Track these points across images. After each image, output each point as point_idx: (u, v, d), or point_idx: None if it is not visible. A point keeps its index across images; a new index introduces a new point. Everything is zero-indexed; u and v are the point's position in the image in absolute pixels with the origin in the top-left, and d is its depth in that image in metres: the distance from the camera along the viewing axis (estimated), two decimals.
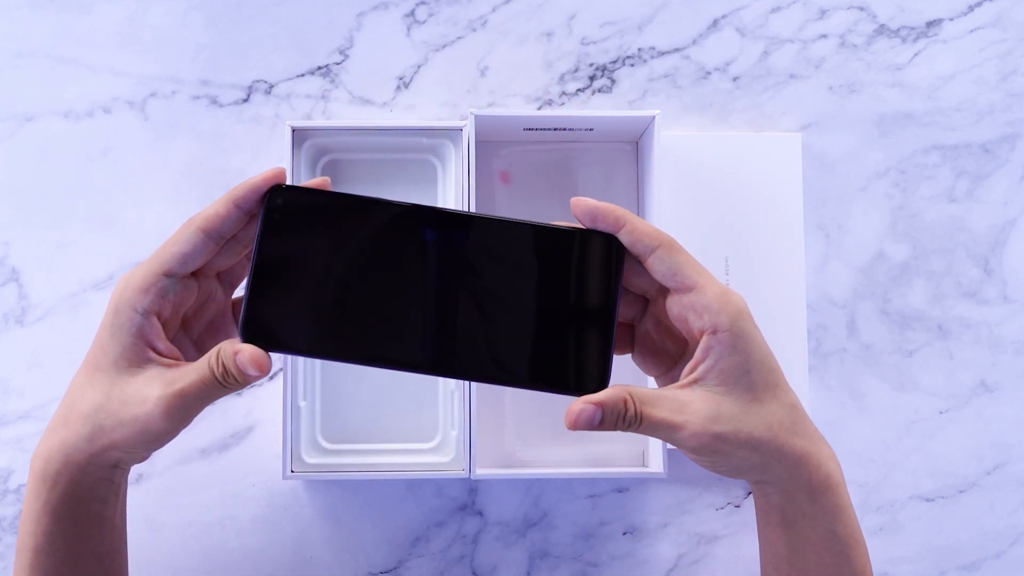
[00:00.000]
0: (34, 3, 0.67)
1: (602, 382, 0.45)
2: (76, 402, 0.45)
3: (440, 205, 0.45)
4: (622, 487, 0.66)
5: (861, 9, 0.68)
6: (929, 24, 0.69)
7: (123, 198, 0.66)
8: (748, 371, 0.44)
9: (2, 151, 0.66)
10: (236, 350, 0.43)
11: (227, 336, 0.50)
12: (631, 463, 0.65)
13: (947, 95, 0.68)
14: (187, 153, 0.67)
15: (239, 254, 0.48)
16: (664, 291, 0.46)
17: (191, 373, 0.44)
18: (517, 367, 0.44)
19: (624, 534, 0.66)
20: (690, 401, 0.44)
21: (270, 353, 0.44)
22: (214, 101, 0.67)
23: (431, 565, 0.65)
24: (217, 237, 0.45)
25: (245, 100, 0.67)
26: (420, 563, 0.66)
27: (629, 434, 0.65)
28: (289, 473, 0.60)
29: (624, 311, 0.48)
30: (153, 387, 0.44)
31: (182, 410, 0.44)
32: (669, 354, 0.48)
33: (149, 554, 0.64)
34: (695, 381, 0.44)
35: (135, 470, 0.65)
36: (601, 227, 0.45)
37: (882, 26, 0.68)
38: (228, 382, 0.43)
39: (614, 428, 0.44)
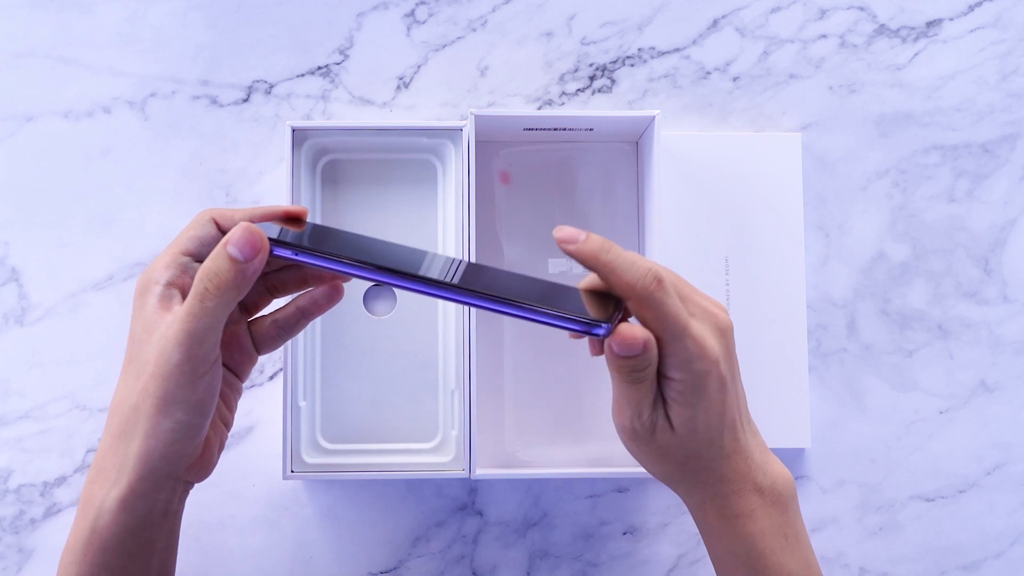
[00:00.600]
0: (34, 3, 0.67)
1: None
2: (116, 408, 0.45)
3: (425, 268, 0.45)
4: (622, 487, 0.66)
5: (861, 9, 0.68)
6: (929, 24, 0.69)
7: (123, 198, 0.66)
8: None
9: (2, 151, 0.66)
10: (224, 241, 0.43)
11: (241, 352, 0.49)
12: (631, 463, 0.65)
13: (947, 95, 0.68)
14: (187, 153, 0.67)
15: (258, 291, 0.49)
16: None
17: (187, 301, 0.43)
18: (536, 294, 0.44)
19: (624, 534, 0.66)
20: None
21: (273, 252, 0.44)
22: (214, 101, 0.67)
23: (431, 565, 0.65)
24: (226, 230, 0.46)
25: (245, 100, 0.67)
26: (420, 563, 0.66)
27: None
28: (289, 473, 0.60)
29: None
30: (165, 330, 0.44)
31: (194, 339, 0.43)
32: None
33: None
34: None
35: None
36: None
37: (882, 26, 0.69)
38: (222, 286, 0.42)
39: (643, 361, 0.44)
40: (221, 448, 0.49)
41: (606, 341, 0.43)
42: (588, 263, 0.44)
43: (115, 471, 0.44)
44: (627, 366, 0.43)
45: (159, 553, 0.47)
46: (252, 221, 0.46)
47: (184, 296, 0.45)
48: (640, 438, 0.46)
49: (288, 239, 0.44)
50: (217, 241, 0.45)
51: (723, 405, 0.46)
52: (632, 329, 0.43)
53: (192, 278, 0.45)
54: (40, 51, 0.67)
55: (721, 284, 0.66)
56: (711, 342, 0.45)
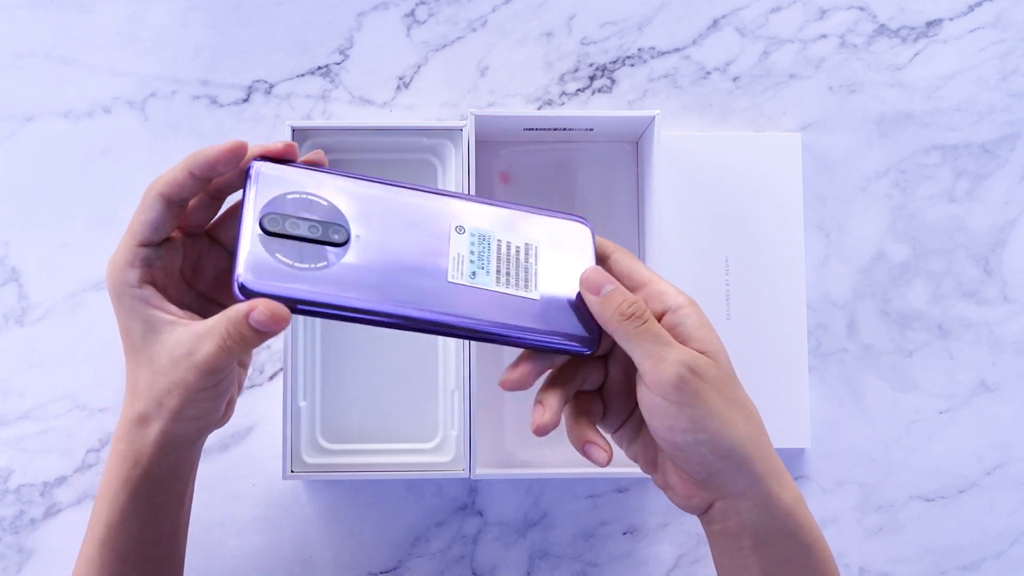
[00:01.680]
0: (34, 3, 0.67)
1: (595, 330, 0.46)
2: (135, 385, 0.46)
3: (437, 188, 0.46)
4: (622, 487, 0.66)
5: (861, 9, 0.68)
6: (929, 24, 0.69)
7: (123, 198, 0.66)
8: (720, 350, 0.45)
9: (2, 151, 0.66)
10: (247, 311, 0.41)
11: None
12: (631, 463, 0.65)
13: (947, 95, 0.68)
14: (187, 153, 0.66)
15: (216, 209, 0.48)
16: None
17: (207, 343, 0.43)
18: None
19: (624, 534, 0.66)
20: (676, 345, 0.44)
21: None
22: (214, 101, 0.67)
23: (431, 565, 0.65)
24: (178, 202, 0.45)
25: (245, 100, 0.67)
26: (420, 563, 0.66)
27: None
28: (289, 473, 0.60)
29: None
30: (180, 350, 0.44)
31: (212, 374, 0.43)
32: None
33: None
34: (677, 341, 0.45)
35: None
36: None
37: (882, 26, 0.69)
38: (247, 343, 0.42)
39: (615, 311, 0.44)
40: (240, 390, 0.50)
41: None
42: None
43: (132, 452, 0.46)
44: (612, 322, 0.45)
45: (188, 500, 0.50)
46: (192, 170, 0.44)
47: (158, 288, 0.45)
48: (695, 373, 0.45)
49: (310, 299, 0.43)
50: (168, 220, 0.45)
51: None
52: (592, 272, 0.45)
53: (157, 269, 0.45)
54: (40, 51, 0.67)
55: (721, 284, 0.66)
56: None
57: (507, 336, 0.45)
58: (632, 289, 0.46)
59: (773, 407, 0.65)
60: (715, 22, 0.68)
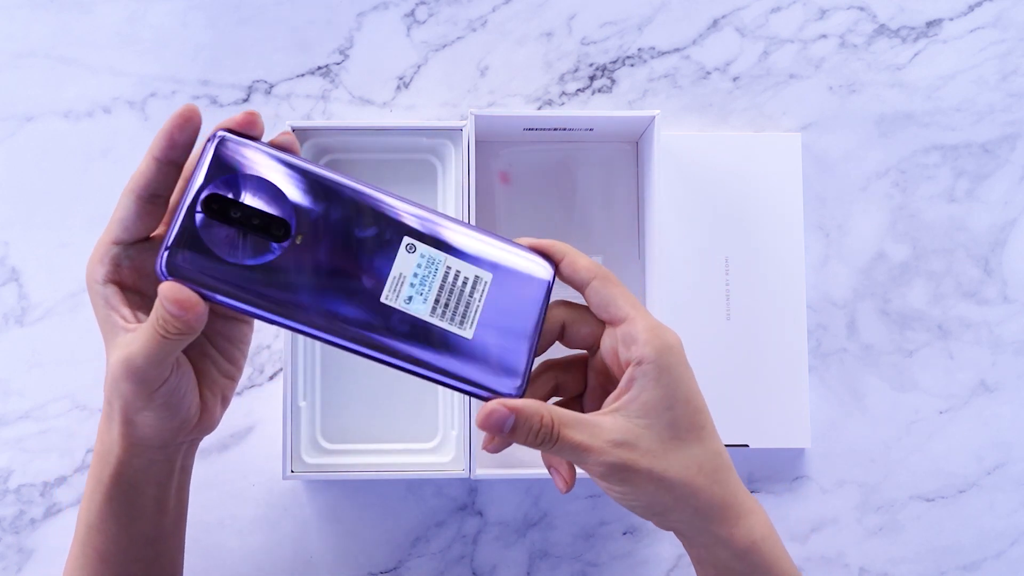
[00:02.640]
0: (34, 3, 0.67)
1: (519, 388, 0.43)
2: (105, 380, 0.46)
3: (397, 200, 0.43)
4: None
5: (861, 9, 0.68)
6: (929, 24, 0.69)
7: None
8: (671, 407, 0.43)
9: (2, 151, 0.66)
10: (165, 292, 0.41)
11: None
12: None
13: (947, 95, 0.68)
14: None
15: None
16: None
17: (137, 341, 0.42)
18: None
19: (624, 534, 0.66)
20: (607, 427, 0.42)
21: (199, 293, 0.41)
22: (214, 101, 0.67)
23: (431, 565, 0.65)
24: (149, 196, 0.43)
25: (245, 100, 0.67)
26: (420, 563, 0.66)
27: None
28: (289, 473, 0.60)
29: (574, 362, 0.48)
30: (114, 354, 0.43)
31: (141, 371, 0.42)
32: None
33: None
34: (616, 410, 0.43)
35: None
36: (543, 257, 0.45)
37: (882, 26, 0.69)
38: (169, 331, 0.41)
39: (525, 441, 0.42)
40: (226, 403, 0.49)
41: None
42: (551, 249, 0.45)
43: (104, 451, 0.46)
44: (520, 438, 0.43)
45: (171, 504, 0.48)
46: (154, 154, 0.43)
47: (125, 288, 0.44)
48: (626, 467, 0.44)
49: (227, 301, 0.41)
50: (141, 218, 0.44)
51: (697, 396, 0.45)
52: (490, 403, 0.42)
53: (126, 268, 0.44)
54: (40, 51, 0.67)
55: (721, 284, 0.66)
56: (665, 328, 0.45)
57: (420, 374, 0.42)
58: (610, 321, 0.45)
59: (773, 407, 0.65)
60: (715, 22, 0.68)
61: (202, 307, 0.41)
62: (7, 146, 0.66)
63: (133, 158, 0.67)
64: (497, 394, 0.43)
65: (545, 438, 0.42)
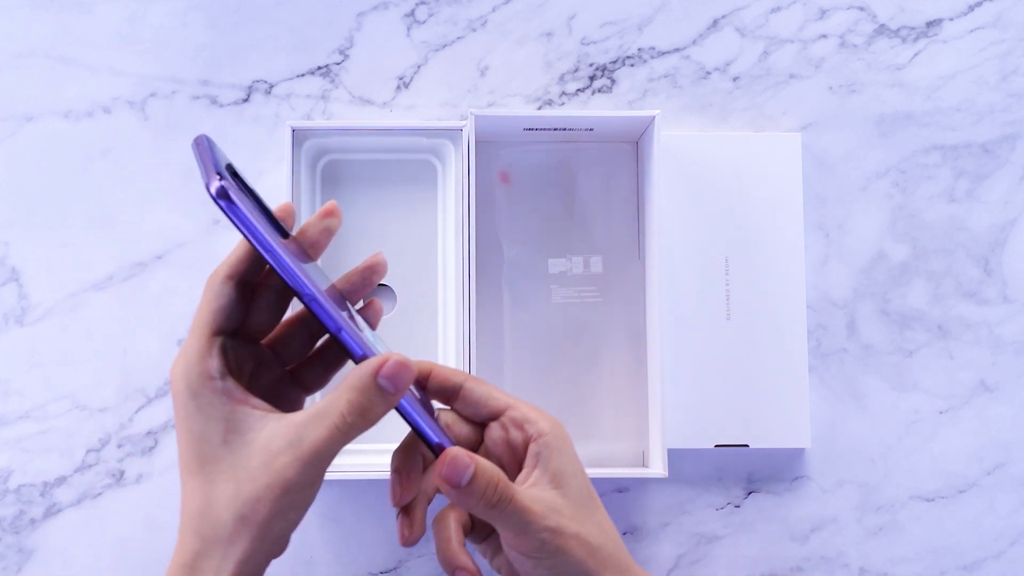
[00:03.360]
0: (34, 3, 0.67)
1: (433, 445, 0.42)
2: (204, 509, 0.40)
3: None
4: (622, 487, 0.66)
5: (861, 9, 0.68)
6: (929, 24, 0.69)
7: (123, 198, 0.66)
8: (576, 474, 0.44)
9: (2, 151, 0.66)
10: (376, 368, 0.39)
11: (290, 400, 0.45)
12: (631, 463, 0.65)
13: (947, 95, 0.68)
14: (187, 153, 0.67)
15: (278, 315, 0.44)
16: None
17: (315, 428, 0.39)
18: None
19: (624, 534, 0.66)
20: (535, 497, 0.42)
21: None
22: (214, 101, 0.67)
23: (431, 565, 0.65)
24: (245, 282, 0.42)
25: (245, 100, 0.67)
26: (420, 563, 0.65)
27: (630, 434, 0.65)
28: None
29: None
30: (279, 443, 0.39)
31: (316, 464, 0.39)
32: None
33: (149, 554, 0.64)
34: (532, 485, 0.43)
35: (135, 467, 0.65)
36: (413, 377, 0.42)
37: (882, 26, 0.68)
38: (369, 415, 0.39)
39: (479, 500, 0.41)
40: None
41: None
42: (419, 367, 0.44)
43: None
44: (475, 495, 0.41)
45: None
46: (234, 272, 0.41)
47: (233, 376, 0.40)
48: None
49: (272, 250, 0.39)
50: (240, 304, 0.41)
51: (578, 458, 0.45)
52: (452, 449, 0.41)
53: (233, 358, 0.41)
54: (40, 51, 0.67)
55: (721, 284, 0.66)
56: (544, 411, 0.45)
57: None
58: (492, 414, 0.45)
59: (773, 407, 0.65)
60: (715, 22, 0.68)
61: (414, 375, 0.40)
62: (7, 146, 0.66)
63: (133, 158, 0.67)
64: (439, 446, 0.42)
65: (500, 497, 0.41)
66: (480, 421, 0.46)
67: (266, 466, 0.38)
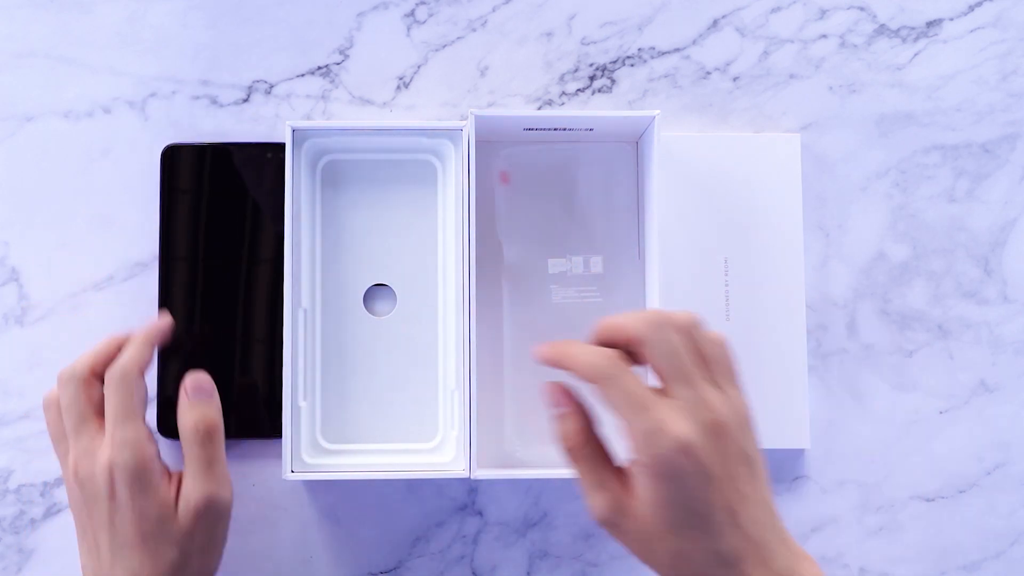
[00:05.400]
0: (34, 3, 0.67)
1: None
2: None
3: None
4: None
5: (861, 9, 0.68)
6: (929, 24, 0.69)
7: (123, 198, 0.66)
8: (670, 506, 0.45)
9: (2, 151, 0.66)
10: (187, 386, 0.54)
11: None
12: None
13: (947, 95, 0.68)
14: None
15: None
16: None
17: (218, 472, 0.53)
18: None
19: None
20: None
21: None
22: (214, 101, 0.67)
23: (431, 565, 0.65)
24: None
25: (245, 100, 0.67)
26: (420, 563, 0.66)
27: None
28: (289, 473, 0.60)
29: None
30: (210, 487, 0.53)
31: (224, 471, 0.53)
32: None
33: None
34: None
35: None
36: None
37: (882, 26, 0.69)
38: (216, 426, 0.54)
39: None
40: None
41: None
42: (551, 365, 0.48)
43: None
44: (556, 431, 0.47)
45: None
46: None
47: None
48: (614, 525, 0.46)
49: None
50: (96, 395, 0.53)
51: (703, 502, 0.43)
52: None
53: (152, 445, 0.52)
54: (40, 51, 0.67)
55: (721, 284, 0.66)
56: (681, 426, 0.43)
57: None
58: (623, 424, 0.45)
59: (773, 407, 0.65)
60: (715, 22, 0.68)
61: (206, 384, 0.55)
62: (7, 146, 0.66)
63: (133, 158, 0.67)
64: None
65: (571, 449, 0.48)
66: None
67: (220, 505, 0.53)
